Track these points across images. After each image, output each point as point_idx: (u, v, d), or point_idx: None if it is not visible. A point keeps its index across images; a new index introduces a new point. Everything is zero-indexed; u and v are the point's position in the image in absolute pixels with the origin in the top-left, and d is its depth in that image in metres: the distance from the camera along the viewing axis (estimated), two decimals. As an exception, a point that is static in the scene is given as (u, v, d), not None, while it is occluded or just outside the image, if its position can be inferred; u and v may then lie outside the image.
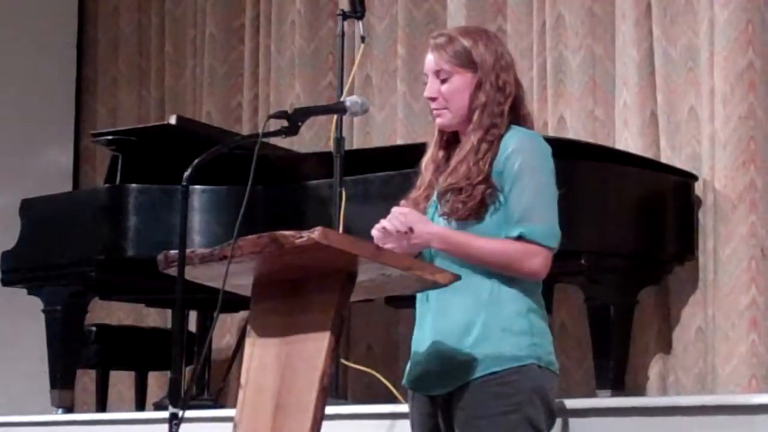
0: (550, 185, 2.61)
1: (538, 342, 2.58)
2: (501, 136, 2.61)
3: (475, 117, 2.62)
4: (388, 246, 2.53)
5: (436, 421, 2.63)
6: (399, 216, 2.57)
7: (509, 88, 2.63)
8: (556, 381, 2.61)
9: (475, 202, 2.56)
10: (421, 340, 2.64)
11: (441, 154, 2.69)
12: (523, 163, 2.58)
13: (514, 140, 2.60)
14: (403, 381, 2.69)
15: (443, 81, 2.64)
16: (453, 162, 2.63)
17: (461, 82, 2.63)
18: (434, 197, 2.66)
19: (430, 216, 2.67)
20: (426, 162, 2.72)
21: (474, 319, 2.56)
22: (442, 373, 2.58)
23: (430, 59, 2.66)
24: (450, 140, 2.70)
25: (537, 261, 2.56)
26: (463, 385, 2.55)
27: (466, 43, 2.63)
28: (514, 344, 2.55)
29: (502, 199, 2.58)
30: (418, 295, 2.68)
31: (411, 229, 2.55)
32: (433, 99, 2.65)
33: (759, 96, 4.17)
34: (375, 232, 2.58)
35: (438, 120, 2.67)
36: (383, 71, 5.47)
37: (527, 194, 2.57)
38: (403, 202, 2.71)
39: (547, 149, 2.64)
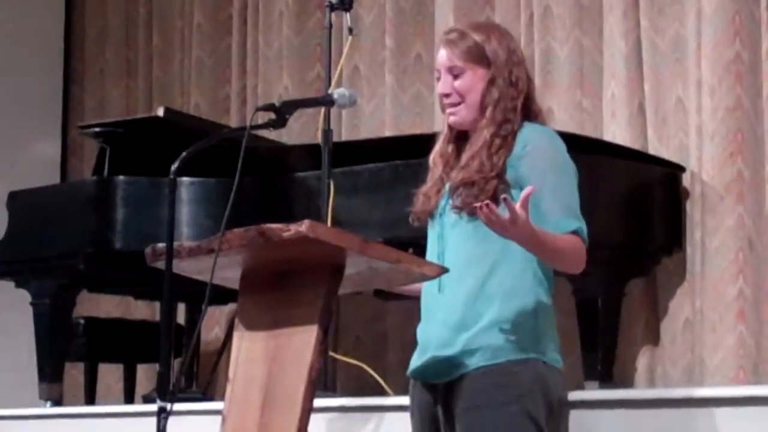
0: (575, 181, 2.62)
1: (543, 337, 2.58)
2: (515, 132, 2.60)
3: (488, 112, 2.60)
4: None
5: (435, 409, 2.63)
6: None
7: (522, 84, 2.63)
8: (559, 377, 2.60)
9: (487, 197, 2.54)
10: (427, 331, 2.64)
11: (451, 148, 2.68)
12: (548, 160, 2.57)
13: (531, 137, 2.59)
14: (408, 369, 2.68)
15: (456, 77, 2.63)
16: (465, 157, 2.62)
17: (474, 77, 2.62)
18: (445, 190, 2.64)
19: (442, 208, 2.65)
20: (434, 157, 2.70)
21: (482, 311, 2.56)
22: (445, 362, 2.58)
23: (443, 55, 2.65)
24: (460, 136, 2.68)
25: (584, 257, 2.58)
26: (465, 373, 2.56)
27: (478, 38, 2.63)
28: (519, 337, 2.55)
29: (514, 195, 2.54)
30: (425, 287, 2.67)
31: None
32: (447, 95, 2.64)
33: (746, 87, 4.18)
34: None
35: (452, 118, 2.65)
36: (371, 62, 5.46)
37: (563, 191, 2.57)
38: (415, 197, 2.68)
39: (563, 144, 2.64)
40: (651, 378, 4.43)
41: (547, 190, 2.55)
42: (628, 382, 4.41)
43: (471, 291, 2.57)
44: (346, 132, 5.44)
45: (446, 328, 2.59)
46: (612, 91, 4.57)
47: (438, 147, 2.70)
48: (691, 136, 4.35)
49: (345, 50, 4.29)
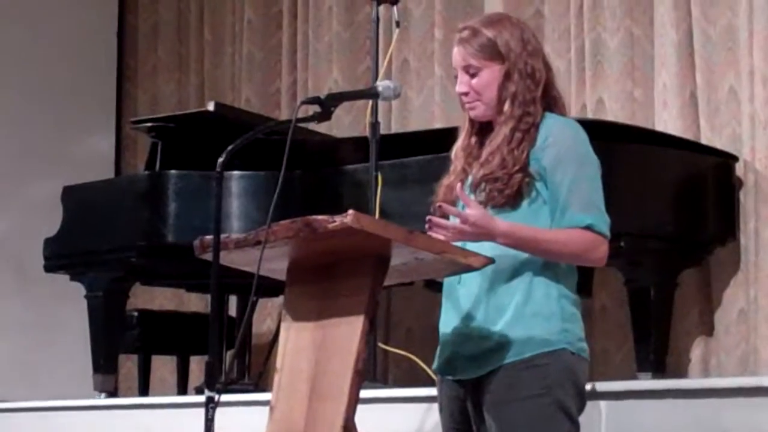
0: (598, 174, 2.60)
1: (569, 327, 2.56)
2: (537, 124, 2.59)
3: (506, 107, 2.60)
4: (440, 235, 2.49)
5: (465, 405, 2.62)
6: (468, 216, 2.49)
7: (539, 74, 2.61)
8: (586, 366, 2.59)
9: (513, 191, 2.54)
10: (450, 324, 2.63)
11: (473, 141, 2.67)
12: (570, 152, 2.56)
13: (553, 129, 2.58)
14: (434, 365, 2.68)
15: (473, 75, 2.63)
16: (485, 153, 2.61)
17: (490, 74, 2.61)
18: (467, 185, 2.64)
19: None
20: (457, 150, 2.70)
21: (505, 303, 2.55)
22: (472, 357, 2.57)
23: (457, 54, 2.65)
24: (482, 127, 2.68)
25: (603, 250, 2.56)
26: (494, 369, 2.55)
27: (490, 34, 2.62)
28: (545, 328, 2.54)
29: (539, 187, 2.55)
30: (446, 280, 2.66)
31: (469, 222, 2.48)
32: (465, 94, 2.64)
33: (799, 76, 4.13)
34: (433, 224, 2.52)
35: (471, 113, 2.65)
36: (420, 55, 5.46)
37: (582, 184, 2.55)
38: (440, 190, 2.69)
39: (586, 136, 2.62)
40: (705, 369, 4.39)
41: (567, 183, 2.54)
42: (682, 373, 4.38)
43: (493, 284, 2.56)
44: (396, 124, 5.44)
45: (470, 323, 2.57)
46: (663, 81, 4.54)
47: (460, 141, 2.70)
48: (743, 125, 4.30)
49: (392, 44, 4.29)
